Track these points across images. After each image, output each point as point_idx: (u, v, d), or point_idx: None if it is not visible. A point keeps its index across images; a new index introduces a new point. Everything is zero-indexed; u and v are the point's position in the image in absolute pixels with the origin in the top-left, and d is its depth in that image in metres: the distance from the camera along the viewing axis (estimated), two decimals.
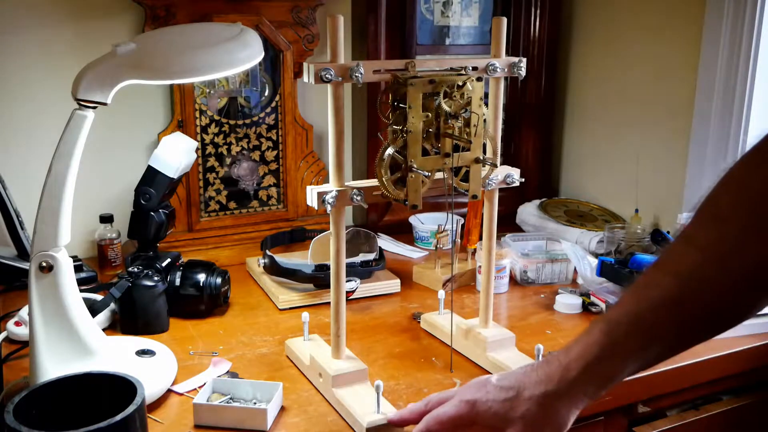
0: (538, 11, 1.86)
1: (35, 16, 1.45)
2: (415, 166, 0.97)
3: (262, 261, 1.41)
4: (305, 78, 0.95)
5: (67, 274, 0.95)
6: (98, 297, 1.23)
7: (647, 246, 1.50)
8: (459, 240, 1.54)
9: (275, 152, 1.65)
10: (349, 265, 1.26)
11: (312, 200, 0.97)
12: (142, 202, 1.34)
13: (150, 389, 0.96)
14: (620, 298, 0.71)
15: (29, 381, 0.96)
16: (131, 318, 1.21)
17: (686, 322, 0.66)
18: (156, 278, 1.22)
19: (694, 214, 0.65)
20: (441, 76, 0.96)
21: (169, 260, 1.28)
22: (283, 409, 0.99)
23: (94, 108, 0.93)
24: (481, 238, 1.21)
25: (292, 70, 1.60)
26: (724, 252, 0.62)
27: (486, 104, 1.01)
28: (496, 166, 1.06)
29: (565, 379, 0.71)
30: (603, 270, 1.36)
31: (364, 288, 1.38)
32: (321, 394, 1.03)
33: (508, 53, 1.06)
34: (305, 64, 0.94)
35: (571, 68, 1.94)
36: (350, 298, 1.33)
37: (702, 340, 0.69)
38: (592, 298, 1.34)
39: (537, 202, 1.84)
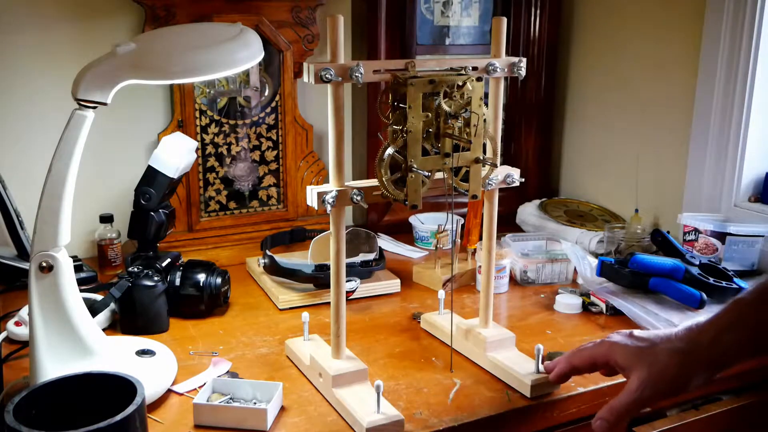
0: (538, 11, 1.86)
1: (35, 16, 1.45)
2: (415, 166, 0.97)
3: (262, 261, 1.41)
4: (305, 78, 0.95)
5: (67, 274, 0.95)
6: (98, 297, 1.23)
7: (647, 246, 1.50)
8: (459, 240, 1.54)
9: (275, 152, 1.65)
10: (349, 265, 1.26)
11: (312, 200, 0.97)
12: (142, 202, 1.34)
13: (150, 389, 0.96)
14: (755, 284, 0.81)
15: (29, 381, 0.96)
16: (131, 318, 1.21)
17: None
18: (156, 278, 1.22)
19: None
20: (441, 76, 0.96)
21: (169, 260, 1.28)
22: (283, 409, 0.99)
23: (94, 108, 0.93)
24: (481, 238, 1.21)
25: (292, 70, 1.61)
26: None
27: (486, 104, 1.01)
28: (496, 166, 1.06)
29: (696, 341, 0.78)
30: (603, 270, 1.36)
31: (364, 288, 1.38)
32: (321, 394, 1.03)
33: (508, 53, 1.06)
34: (305, 64, 0.94)
35: (571, 68, 1.94)
36: (350, 298, 1.33)
37: None
38: (592, 298, 1.34)
39: (537, 202, 1.84)
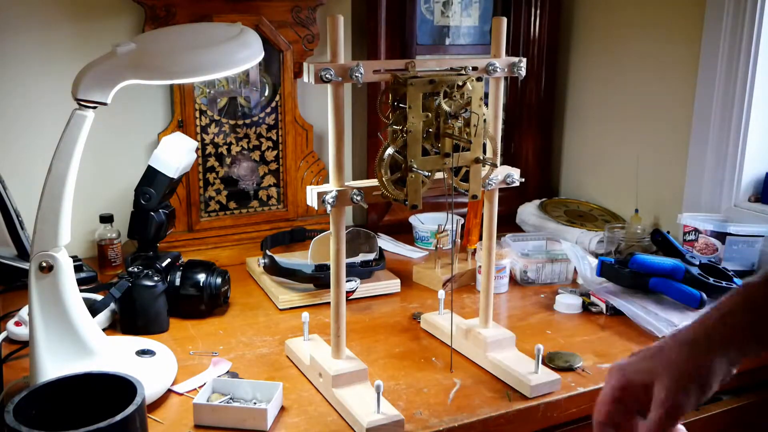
0: (538, 11, 1.86)
1: (35, 16, 1.46)
2: (415, 166, 0.97)
3: (262, 261, 1.41)
4: (305, 78, 0.95)
5: (67, 274, 0.95)
6: (98, 297, 1.23)
7: (647, 246, 1.50)
8: (459, 240, 1.54)
9: (275, 152, 1.65)
10: (349, 265, 1.26)
11: (312, 200, 0.97)
12: (142, 202, 1.34)
13: (150, 389, 0.96)
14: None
15: (29, 381, 0.96)
16: (131, 318, 1.21)
17: None
18: (156, 278, 1.22)
19: None
20: (441, 76, 0.96)
21: (169, 260, 1.28)
22: (283, 409, 0.99)
23: (94, 108, 0.93)
24: (481, 238, 1.21)
25: (292, 70, 1.61)
26: None
27: (486, 104, 1.01)
28: (496, 166, 1.06)
29: (701, 328, 0.73)
30: (603, 270, 1.36)
31: (364, 288, 1.38)
32: (321, 394, 1.03)
33: (508, 53, 1.06)
34: (305, 64, 0.94)
35: (571, 68, 1.94)
36: (350, 298, 1.33)
37: None
38: (592, 298, 1.34)
39: (537, 202, 1.84)
